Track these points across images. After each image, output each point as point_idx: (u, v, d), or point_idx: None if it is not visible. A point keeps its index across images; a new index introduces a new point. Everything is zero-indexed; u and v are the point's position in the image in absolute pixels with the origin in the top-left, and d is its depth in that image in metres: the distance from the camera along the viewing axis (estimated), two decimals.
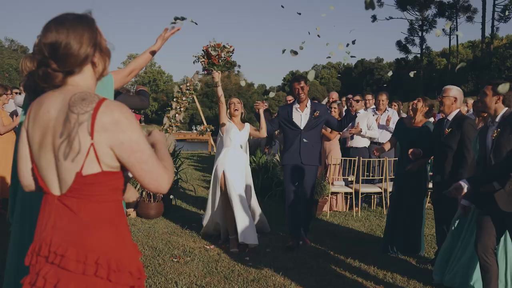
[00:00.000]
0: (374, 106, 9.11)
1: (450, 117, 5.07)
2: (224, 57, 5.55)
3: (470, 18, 44.34)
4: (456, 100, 5.11)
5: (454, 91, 5.13)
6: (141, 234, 6.23)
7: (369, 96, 9.39)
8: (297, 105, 6.01)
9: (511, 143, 3.82)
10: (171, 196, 7.69)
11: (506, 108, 4.02)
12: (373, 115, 8.71)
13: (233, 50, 5.65)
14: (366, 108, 9.01)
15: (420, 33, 47.51)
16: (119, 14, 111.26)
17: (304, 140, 5.92)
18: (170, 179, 1.71)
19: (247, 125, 6.21)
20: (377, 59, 79.47)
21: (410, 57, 48.42)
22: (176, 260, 5.18)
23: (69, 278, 1.61)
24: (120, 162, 1.67)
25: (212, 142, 17.93)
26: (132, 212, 7.17)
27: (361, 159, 7.96)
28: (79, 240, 1.64)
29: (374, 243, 6.17)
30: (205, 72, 5.70)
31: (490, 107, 4.04)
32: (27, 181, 1.84)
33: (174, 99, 16.97)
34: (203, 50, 5.67)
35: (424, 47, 47.37)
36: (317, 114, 5.91)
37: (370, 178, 8.18)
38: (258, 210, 6.41)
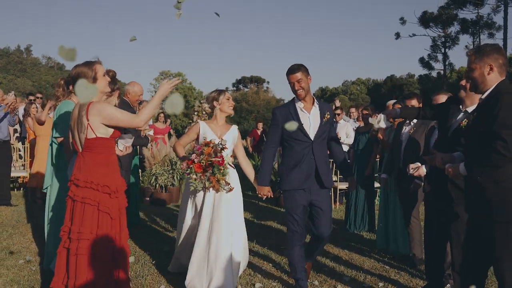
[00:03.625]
0: (355, 117, 10.78)
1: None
2: None
3: (492, 35, 44.84)
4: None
5: (415, 100, 5.78)
6: (152, 217, 8.02)
7: (352, 109, 11.17)
8: (300, 104, 4.41)
9: (422, 139, 5.28)
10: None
11: None
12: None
13: None
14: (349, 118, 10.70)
15: (443, 50, 48.20)
16: (150, 32, 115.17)
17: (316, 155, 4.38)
18: (142, 122, 3.60)
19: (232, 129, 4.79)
20: (408, 75, 79.75)
21: (433, 73, 49.24)
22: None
23: (79, 190, 3.51)
24: (110, 126, 3.56)
25: None
26: (147, 200, 8.98)
27: None
28: (86, 172, 3.53)
29: (338, 224, 7.77)
30: None
31: None
32: (71, 146, 3.77)
33: (195, 113, 18.77)
34: None
35: (447, 63, 48.17)
36: (328, 116, 4.47)
37: None
38: (240, 247, 4.64)
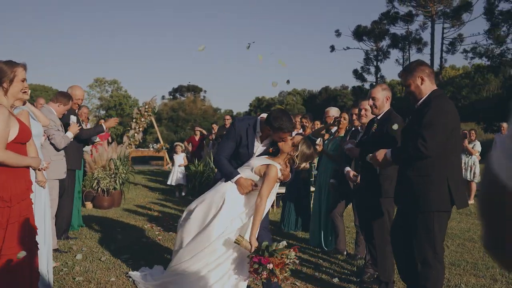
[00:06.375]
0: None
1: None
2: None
3: (420, 50, 47.15)
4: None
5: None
6: (96, 219, 8.14)
7: (297, 118, 11.76)
8: (260, 133, 4.37)
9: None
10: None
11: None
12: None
13: None
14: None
15: (375, 63, 50.17)
16: (89, 38, 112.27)
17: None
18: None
19: None
20: (342, 86, 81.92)
21: (366, 85, 51.15)
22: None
23: None
24: None
25: (168, 159, 19.41)
26: (89, 204, 9.06)
27: None
28: None
29: (274, 225, 8.21)
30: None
31: (365, 122, 5.74)
32: None
33: (134, 120, 18.75)
34: None
35: (379, 75, 50.20)
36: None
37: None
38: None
